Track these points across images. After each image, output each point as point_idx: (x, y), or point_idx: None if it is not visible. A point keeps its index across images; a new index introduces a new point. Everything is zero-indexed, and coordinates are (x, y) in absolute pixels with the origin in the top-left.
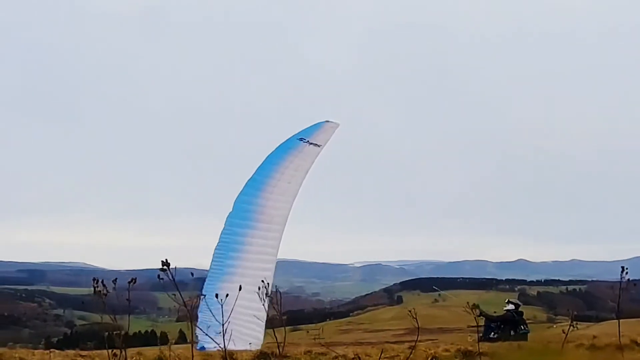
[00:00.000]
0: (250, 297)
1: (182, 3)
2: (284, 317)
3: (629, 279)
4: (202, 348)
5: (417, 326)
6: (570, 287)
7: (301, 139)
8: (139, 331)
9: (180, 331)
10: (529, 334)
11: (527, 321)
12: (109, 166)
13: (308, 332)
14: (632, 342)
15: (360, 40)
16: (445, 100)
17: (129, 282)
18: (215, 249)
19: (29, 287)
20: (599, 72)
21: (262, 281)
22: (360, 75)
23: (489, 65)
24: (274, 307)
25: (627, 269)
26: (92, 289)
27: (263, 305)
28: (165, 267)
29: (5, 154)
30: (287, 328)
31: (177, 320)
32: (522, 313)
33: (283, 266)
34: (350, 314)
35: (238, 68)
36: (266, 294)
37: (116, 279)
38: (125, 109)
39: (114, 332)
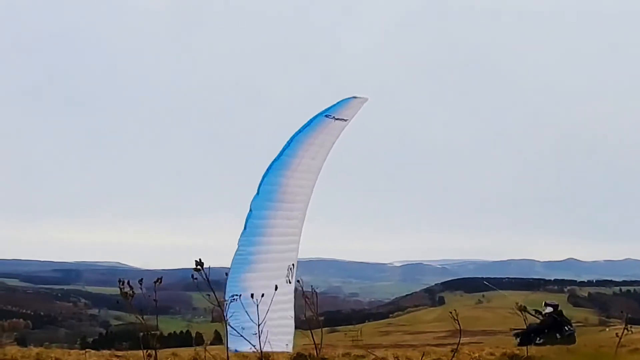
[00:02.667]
0: (279, 286)
1: None
2: (321, 318)
3: None
4: (236, 351)
5: (459, 328)
6: (624, 288)
7: (327, 115)
8: (174, 331)
9: (216, 332)
10: (576, 335)
11: (578, 324)
12: (140, 164)
13: (346, 333)
14: None
15: (391, 25)
16: (488, 89)
17: (155, 282)
18: (240, 235)
19: (65, 287)
20: None
21: (290, 267)
22: (401, 63)
23: (535, 49)
24: (310, 308)
25: None
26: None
27: (290, 294)
28: (199, 266)
29: (35, 153)
30: (325, 329)
31: (212, 321)
32: (561, 312)
33: (320, 266)
34: (390, 315)
35: (268, 62)
36: (292, 278)
37: (142, 279)
38: (154, 106)
39: (149, 333)
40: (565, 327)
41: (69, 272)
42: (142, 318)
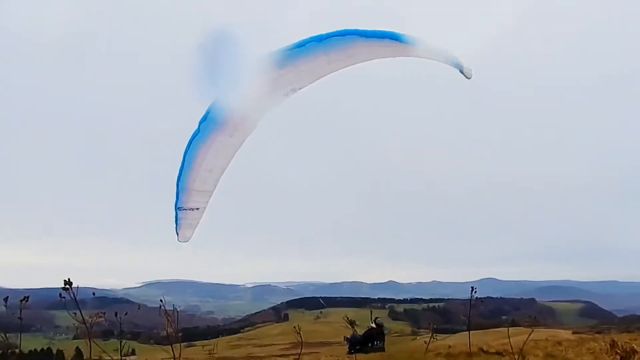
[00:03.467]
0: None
1: None
2: (180, 334)
3: (477, 297)
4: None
5: (301, 341)
6: (431, 305)
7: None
8: (35, 349)
9: (77, 349)
10: (386, 345)
11: (396, 334)
12: (6, 188)
13: (203, 347)
14: (479, 350)
15: None
16: (328, 138)
17: (21, 301)
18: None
19: None
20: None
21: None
22: None
23: (358, 103)
24: (170, 325)
25: (476, 289)
26: None
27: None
28: (67, 286)
29: None
30: (183, 344)
31: (74, 338)
32: (381, 330)
33: (179, 286)
34: (241, 330)
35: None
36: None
37: (7, 297)
38: (32, 129)
39: (9, 351)
40: (376, 342)
41: None
42: (5, 336)
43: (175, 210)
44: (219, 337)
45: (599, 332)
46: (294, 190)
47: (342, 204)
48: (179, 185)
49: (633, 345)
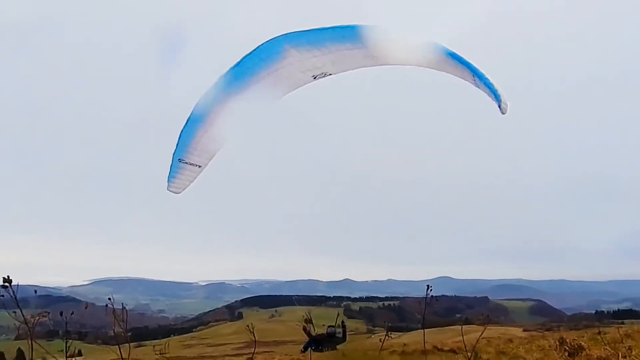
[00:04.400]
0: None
1: None
2: (129, 334)
3: (432, 296)
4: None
5: (254, 339)
6: (387, 303)
7: None
8: None
9: (19, 349)
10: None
11: (351, 333)
12: None
13: (154, 347)
14: (434, 348)
15: None
16: (287, 134)
17: None
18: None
19: None
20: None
21: None
22: None
23: (320, 101)
24: (119, 324)
25: (431, 287)
26: None
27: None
28: (6, 283)
29: None
30: (132, 344)
31: (17, 339)
32: (333, 333)
33: (129, 284)
34: (194, 329)
35: None
36: None
37: None
38: None
39: None
40: (325, 348)
41: None
42: None
43: (174, 160)
44: (170, 336)
45: (548, 330)
46: (249, 187)
47: (299, 201)
48: (183, 136)
49: (580, 342)
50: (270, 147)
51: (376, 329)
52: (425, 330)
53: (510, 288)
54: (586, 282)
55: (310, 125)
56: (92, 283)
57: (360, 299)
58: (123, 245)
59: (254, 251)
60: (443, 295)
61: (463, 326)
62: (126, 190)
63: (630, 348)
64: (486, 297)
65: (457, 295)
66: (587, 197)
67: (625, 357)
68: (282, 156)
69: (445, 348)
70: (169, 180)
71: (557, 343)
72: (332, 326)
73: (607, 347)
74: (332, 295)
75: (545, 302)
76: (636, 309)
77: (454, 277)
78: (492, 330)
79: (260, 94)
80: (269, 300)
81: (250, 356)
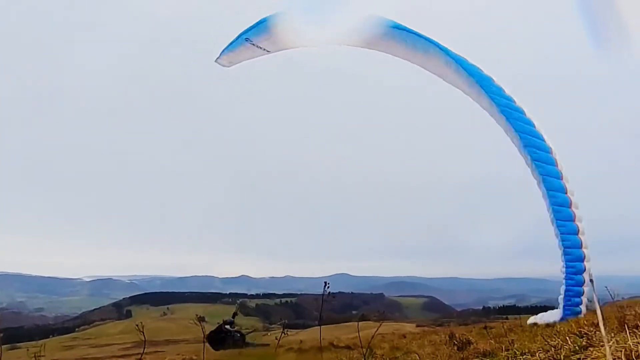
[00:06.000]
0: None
1: None
2: (1, 335)
3: (329, 292)
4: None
5: (144, 339)
6: (284, 300)
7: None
8: None
9: None
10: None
11: (247, 330)
12: None
13: (28, 349)
14: (330, 344)
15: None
16: (186, 123)
17: None
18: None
19: None
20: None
21: None
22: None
23: (230, 94)
24: None
25: (328, 284)
26: None
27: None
28: None
29: None
30: (5, 347)
31: None
32: (229, 330)
33: (3, 279)
34: (77, 329)
35: None
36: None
37: None
38: None
39: None
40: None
41: None
42: None
43: (239, 37)
44: (49, 337)
45: (439, 325)
46: (143, 176)
47: (194, 193)
48: (262, 22)
49: (469, 337)
50: (169, 138)
51: (273, 326)
52: (321, 327)
53: (404, 285)
54: (475, 279)
55: (211, 119)
56: None
57: (257, 296)
58: None
59: (146, 245)
60: (340, 292)
61: (359, 322)
62: None
63: (512, 341)
64: (382, 293)
65: (353, 292)
66: (477, 199)
67: (507, 349)
68: (181, 148)
69: (341, 344)
70: (223, 52)
71: (447, 338)
72: (226, 326)
73: (492, 341)
74: (227, 292)
75: (437, 299)
76: (519, 304)
77: (351, 273)
78: (387, 326)
79: None
80: (160, 298)
81: (139, 356)
